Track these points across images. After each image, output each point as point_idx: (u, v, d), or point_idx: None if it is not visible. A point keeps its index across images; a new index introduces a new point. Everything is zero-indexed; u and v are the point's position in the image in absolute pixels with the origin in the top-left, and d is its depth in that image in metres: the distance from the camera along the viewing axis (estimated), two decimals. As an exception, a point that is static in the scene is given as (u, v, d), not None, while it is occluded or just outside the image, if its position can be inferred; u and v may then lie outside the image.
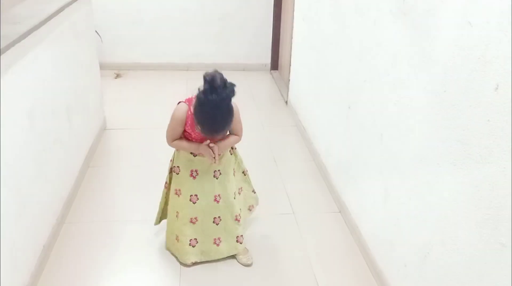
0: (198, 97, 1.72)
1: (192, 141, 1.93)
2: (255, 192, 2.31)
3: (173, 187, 2.05)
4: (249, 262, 2.16)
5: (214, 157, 1.90)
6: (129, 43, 4.72)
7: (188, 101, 1.87)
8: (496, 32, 1.26)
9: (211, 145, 1.89)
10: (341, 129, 2.58)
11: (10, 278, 1.75)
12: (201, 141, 1.91)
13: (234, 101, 1.80)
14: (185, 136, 1.94)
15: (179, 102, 1.90)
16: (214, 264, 2.14)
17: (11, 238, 1.76)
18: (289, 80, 3.91)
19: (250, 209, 2.31)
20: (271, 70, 4.93)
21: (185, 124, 1.88)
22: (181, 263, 2.12)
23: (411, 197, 1.78)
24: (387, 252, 2.00)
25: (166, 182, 2.13)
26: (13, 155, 1.79)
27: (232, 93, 1.70)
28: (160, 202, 2.18)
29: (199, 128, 1.77)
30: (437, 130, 1.56)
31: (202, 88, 1.70)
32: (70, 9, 2.56)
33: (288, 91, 3.98)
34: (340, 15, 2.59)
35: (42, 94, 2.13)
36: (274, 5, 4.66)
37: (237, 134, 1.99)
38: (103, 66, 3.73)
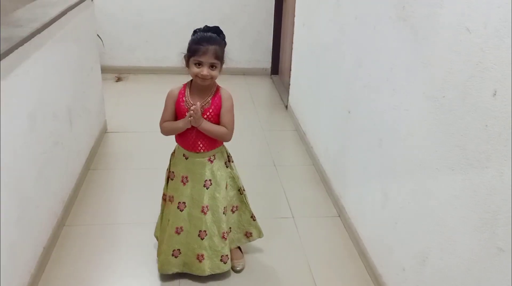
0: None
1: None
2: (255, 220, 2.14)
3: (167, 194, 2.02)
4: (238, 268, 2.13)
5: (192, 117, 1.78)
6: (130, 47, 4.74)
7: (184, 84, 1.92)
8: (493, 38, 1.28)
9: (192, 107, 1.78)
10: (341, 134, 2.59)
11: (10, 280, 1.76)
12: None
13: (230, 93, 1.90)
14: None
15: None
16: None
17: (12, 239, 1.77)
18: (289, 84, 3.93)
19: (247, 236, 2.16)
20: (271, 74, 4.95)
21: (176, 102, 1.87)
22: (161, 274, 2.06)
23: (409, 201, 1.79)
24: (385, 256, 2.01)
25: (164, 194, 2.07)
26: (13, 157, 1.80)
27: (224, 38, 1.84)
28: (159, 217, 2.12)
29: (190, 47, 1.78)
30: (436, 135, 1.58)
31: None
32: (72, 13, 2.57)
33: (288, 95, 4.00)
34: (340, 21, 2.61)
35: (43, 97, 2.14)
36: (274, 10, 4.69)
37: (226, 126, 1.87)
38: (104, 70, 3.75)
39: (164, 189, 2.06)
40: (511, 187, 1.22)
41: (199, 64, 1.78)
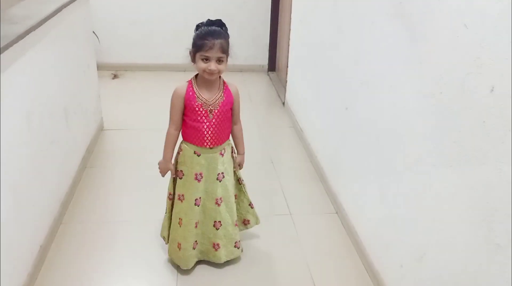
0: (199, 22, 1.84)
1: (172, 155, 1.97)
2: (253, 207, 2.20)
3: (176, 193, 1.99)
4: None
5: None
6: (126, 44, 4.72)
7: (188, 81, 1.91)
8: (491, 34, 1.28)
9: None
10: (338, 131, 2.59)
11: (7, 278, 1.75)
12: (194, 117, 1.88)
13: (236, 86, 1.98)
14: (185, 121, 1.91)
15: None
16: (211, 266, 2.13)
17: (9, 238, 1.76)
18: (286, 81, 3.92)
19: (245, 223, 2.22)
20: (268, 71, 4.94)
21: (185, 99, 1.86)
22: (184, 270, 2.08)
23: (407, 198, 1.79)
24: (383, 253, 2.01)
25: (170, 193, 2.03)
26: (10, 155, 1.79)
27: (226, 30, 1.85)
28: (166, 217, 2.08)
29: (195, 42, 1.78)
30: (433, 132, 1.58)
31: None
32: (68, 9, 2.56)
33: (285, 92, 3.99)
34: (337, 17, 2.60)
35: (39, 95, 2.13)
36: (271, 6, 4.68)
37: (237, 121, 2.03)
38: (100, 67, 3.73)
39: (169, 188, 2.04)
40: (510, 184, 1.22)
41: (206, 59, 1.78)
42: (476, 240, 1.36)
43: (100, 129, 3.38)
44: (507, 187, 1.23)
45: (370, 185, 2.13)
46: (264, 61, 4.94)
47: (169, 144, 1.95)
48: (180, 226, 2.00)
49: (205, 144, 1.90)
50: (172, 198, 2.03)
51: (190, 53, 1.84)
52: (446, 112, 1.49)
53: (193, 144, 1.91)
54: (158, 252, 2.20)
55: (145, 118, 3.65)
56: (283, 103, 4.05)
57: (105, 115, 3.52)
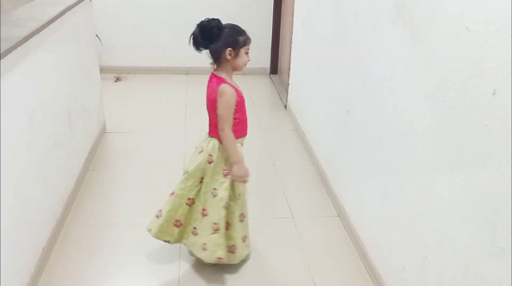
0: (210, 24, 1.90)
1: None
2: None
3: (234, 194, 1.96)
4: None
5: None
6: (129, 47, 4.74)
7: (222, 81, 1.89)
8: (494, 37, 1.28)
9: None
10: (340, 133, 2.59)
11: (10, 280, 1.76)
12: (243, 110, 1.94)
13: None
14: (234, 117, 1.91)
15: (220, 84, 1.87)
16: (212, 268, 2.13)
17: (11, 239, 1.77)
18: (288, 84, 3.93)
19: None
20: (270, 74, 4.95)
21: (237, 97, 1.89)
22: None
23: (409, 200, 1.78)
24: (385, 256, 2.01)
25: (226, 203, 1.91)
26: (13, 157, 1.79)
27: None
28: (217, 235, 1.92)
29: (237, 39, 1.85)
30: (435, 134, 1.58)
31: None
32: (71, 12, 2.57)
33: (287, 95, 4.00)
34: (340, 20, 2.61)
35: (42, 97, 2.14)
36: (273, 9, 4.68)
37: None
38: (103, 70, 3.75)
39: (225, 198, 1.91)
40: (511, 186, 1.22)
41: (248, 51, 1.89)
42: (478, 243, 1.36)
43: (103, 131, 3.39)
44: (509, 190, 1.23)
45: (372, 188, 2.13)
46: (266, 64, 4.94)
47: (235, 145, 1.90)
48: (242, 222, 2.03)
49: (247, 131, 1.98)
50: (227, 205, 1.93)
51: (228, 52, 1.84)
52: (448, 115, 1.49)
53: (241, 137, 1.96)
54: (160, 254, 2.20)
55: (147, 120, 3.64)
56: (285, 106, 4.05)
57: (108, 117, 3.53)
